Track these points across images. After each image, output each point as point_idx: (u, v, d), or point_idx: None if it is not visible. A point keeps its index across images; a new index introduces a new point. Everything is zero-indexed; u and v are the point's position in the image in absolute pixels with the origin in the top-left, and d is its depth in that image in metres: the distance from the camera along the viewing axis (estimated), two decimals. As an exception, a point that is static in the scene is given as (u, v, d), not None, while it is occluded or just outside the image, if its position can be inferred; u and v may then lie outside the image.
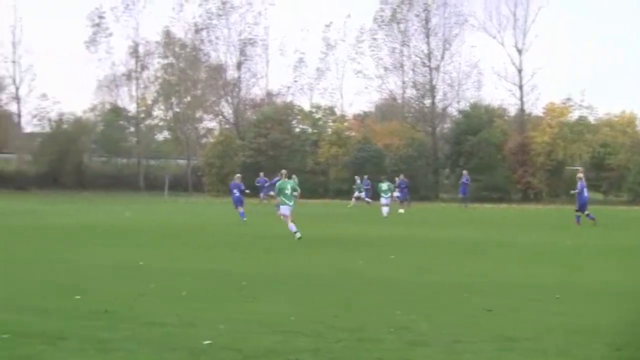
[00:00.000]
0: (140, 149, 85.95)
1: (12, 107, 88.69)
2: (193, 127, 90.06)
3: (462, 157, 69.73)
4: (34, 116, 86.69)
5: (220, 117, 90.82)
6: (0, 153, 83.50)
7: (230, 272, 17.65)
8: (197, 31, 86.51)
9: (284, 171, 30.56)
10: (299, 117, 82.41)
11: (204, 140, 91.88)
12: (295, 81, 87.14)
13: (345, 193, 66.25)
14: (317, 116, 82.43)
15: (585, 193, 36.15)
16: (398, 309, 12.75)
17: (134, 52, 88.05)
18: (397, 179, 53.62)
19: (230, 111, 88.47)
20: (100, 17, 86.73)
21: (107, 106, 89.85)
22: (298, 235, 26.51)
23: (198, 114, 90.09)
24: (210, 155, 79.79)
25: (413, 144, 72.79)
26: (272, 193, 44.44)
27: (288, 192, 27.96)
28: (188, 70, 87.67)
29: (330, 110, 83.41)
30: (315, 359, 9.45)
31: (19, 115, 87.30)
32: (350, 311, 12.74)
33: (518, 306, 13.17)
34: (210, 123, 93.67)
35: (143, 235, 29.23)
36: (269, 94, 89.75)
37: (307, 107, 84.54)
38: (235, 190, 37.31)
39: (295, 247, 24.34)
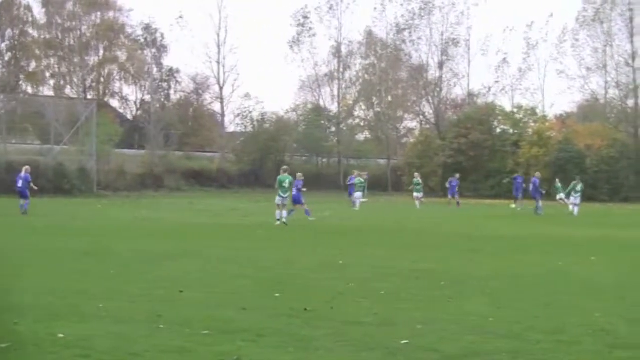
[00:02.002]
0: (341, 149, 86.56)
1: (216, 107, 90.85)
2: (394, 126, 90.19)
3: (666, 158, 67.58)
4: (237, 115, 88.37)
5: (421, 117, 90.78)
6: (204, 152, 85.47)
7: (430, 271, 17.55)
8: (399, 31, 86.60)
9: (285, 167, 36.99)
10: (500, 117, 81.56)
11: (404, 140, 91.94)
12: (497, 81, 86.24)
13: (545, 194, 65.16)
14: (519, 117, 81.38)
15: None
16: (598, 311, 12.45)
17: (337, 52, 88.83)
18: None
19: (431, 111, 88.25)
20: (305, 17, 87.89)
21: (309, 106, 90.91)
22: (278, 222, 32.57)
23: (399, 114, 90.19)
24: (410, 155, 79.90)
25: (615, 145, 71.05)
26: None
27: (286, 185, 33.65)
28: (389, 70, 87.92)
29: (532, 111, 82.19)
30: (513, 362, 9.27)
31: (223, 115, 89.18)
32: (549, 313, 12.49)
33: None
34: (410, 123, 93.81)
35: (342, 234, 29.42)
36: (470, 94, 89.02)
37: (508, 108, 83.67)
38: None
39: (497, 248, 24.10)
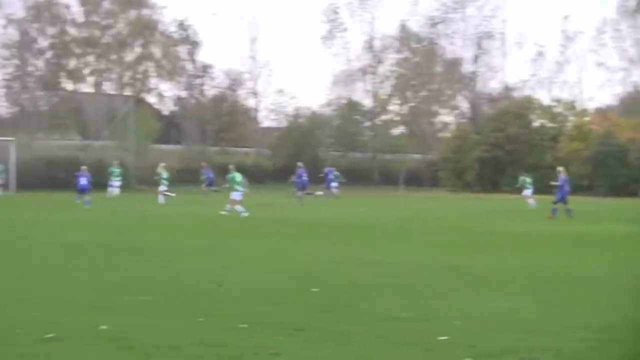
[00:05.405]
0: (375, 144, 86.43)
1: (250, 102, 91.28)
2: (428, 121, 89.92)
3: None
4: (271, 111, 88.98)
5: (457, 111, 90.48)
6: (239, 147, 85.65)
7: (468, 267, 17.45)
8: (433, 25, 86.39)
9: (231, 166, 39.16)
10: (537, 111, 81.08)
11: (439, 135, 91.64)
12: (534, 75, 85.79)
13: (585, 189, 64.63)
14: (557, 110, 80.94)
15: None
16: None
17: (370, 46, 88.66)
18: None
19: (467, 105, 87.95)
20: (336, 13, 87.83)
21: (343, 101, 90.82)
22: (245, 214, 34.08)
23: (433, 108, 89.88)
24: (446, 150, 79.59)
25: (660, 138, 70.23)
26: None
27: (238, 180, 36.03)
28: (424, 64, 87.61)
29: (570, 104, 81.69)
30: (556, 359, 9.20)
31: (257, 110, 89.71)
32: (595, 310, 12.29)
33: None
34: (446, 117, 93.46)
35: (378, 230, 29.38)
36: (506, 88, 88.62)
37: (545, 101, 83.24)
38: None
39: (535, 244, 23.95)
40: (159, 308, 11.95)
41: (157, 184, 48.06)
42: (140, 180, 64.41)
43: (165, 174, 47.49)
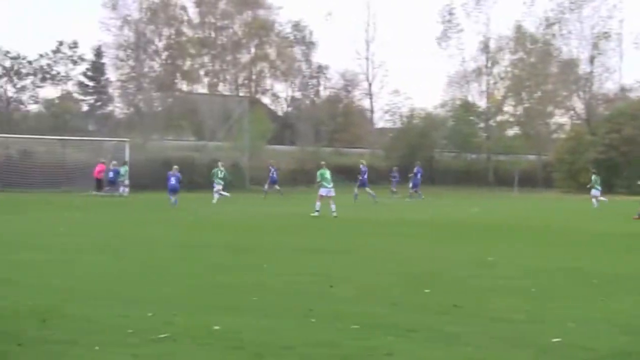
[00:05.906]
0: (490, 145, 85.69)
1: (365, 103, 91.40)
2: (543, 122, 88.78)
3: None
4: (386, 112, 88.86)
5: (572, 112, 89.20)
6: (354, 148, 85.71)
7: (581, 269, 17.34)
8: (549, 25, 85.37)
9: (323, 162, 39.29)
10: (656, 112, 79.50)
11: (554, 136, 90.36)
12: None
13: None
14: (674, 111, 79.22)
15: None
16: None
17: (485, 47, 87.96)
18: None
19: (582, 106, 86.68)
20: (451, 14, 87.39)
21: (457, 102, 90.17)
22: (316, 214, 34.32)
23: (548, 109, 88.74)
24: (560, 151, 78.60)
25: None
26: None
27: (328, 176, 35.91)
28: (539, 65, 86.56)
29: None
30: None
31: (372, 111, 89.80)
32: None
33: None
34: (561, 118, 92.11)
35: (491, 231, 29.24)
36: (623, 89, 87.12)
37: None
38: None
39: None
40: (270, 308, 12.09)
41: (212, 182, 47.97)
42: (254, 180, 65.01)
43: (221, 173, 47.52)
